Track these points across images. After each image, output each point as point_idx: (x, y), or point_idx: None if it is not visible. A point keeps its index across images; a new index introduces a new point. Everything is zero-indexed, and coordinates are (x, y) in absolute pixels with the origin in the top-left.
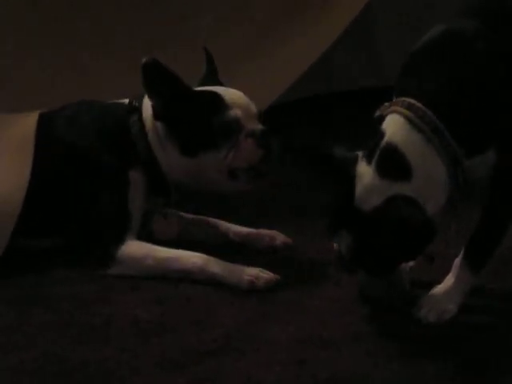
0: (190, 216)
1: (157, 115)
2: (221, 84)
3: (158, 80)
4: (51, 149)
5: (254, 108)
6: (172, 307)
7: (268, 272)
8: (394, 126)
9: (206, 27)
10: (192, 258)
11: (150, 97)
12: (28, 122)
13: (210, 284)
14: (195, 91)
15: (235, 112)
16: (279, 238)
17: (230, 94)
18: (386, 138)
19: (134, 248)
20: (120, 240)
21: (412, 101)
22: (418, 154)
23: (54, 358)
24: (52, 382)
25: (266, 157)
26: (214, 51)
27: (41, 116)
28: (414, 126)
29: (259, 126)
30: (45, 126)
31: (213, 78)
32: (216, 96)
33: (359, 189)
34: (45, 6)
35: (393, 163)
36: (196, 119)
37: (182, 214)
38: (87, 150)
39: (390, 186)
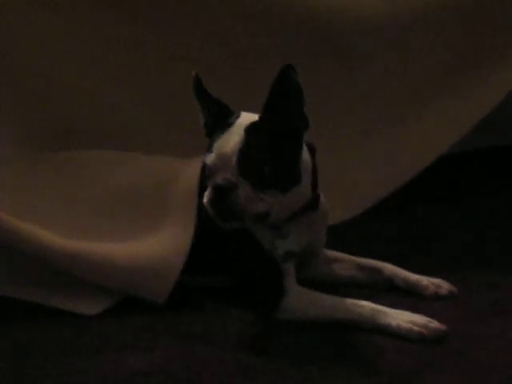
0: (355, 258)
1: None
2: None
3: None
4: None
5: (232, 158)
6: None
7: (436, 322)
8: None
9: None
10: (358, 309)
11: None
12: (193, 170)
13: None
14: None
15: (207, 158)
16: (445, 286)
17: (226, 134)
18: None
19: (299, 297)
20: (282, 290)
21: None
22: None
23: None
24: None
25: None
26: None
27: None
28: None
29: (219, 181)
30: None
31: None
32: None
33: None
34: None
35: None
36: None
37: (345, 255)
38: None
39: None
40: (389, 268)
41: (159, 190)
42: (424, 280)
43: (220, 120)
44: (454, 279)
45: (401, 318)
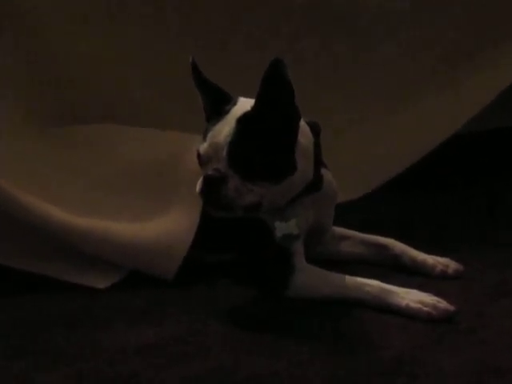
0: (362, 235)
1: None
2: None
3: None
4: None
5: (223, 150)
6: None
7: (444, 302)
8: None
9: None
10: (368, 287)
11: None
12: None
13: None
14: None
15: (201, 147)
16: (452, 265)
17: (220, 124)
18: None
19: (308, 275)
20: (291, 268)
21: None
22: None
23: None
24: None
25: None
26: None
27: None
28: None
29: (210, 172)
30: None
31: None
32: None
33: None
34: None
35: None
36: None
37: (353, 232)
38: None
39: None
40: (396, 245)
41: (168, 166)
42: (431, 259)
43: (217, 106)
44: (462, 259)
45: (410, 297)
